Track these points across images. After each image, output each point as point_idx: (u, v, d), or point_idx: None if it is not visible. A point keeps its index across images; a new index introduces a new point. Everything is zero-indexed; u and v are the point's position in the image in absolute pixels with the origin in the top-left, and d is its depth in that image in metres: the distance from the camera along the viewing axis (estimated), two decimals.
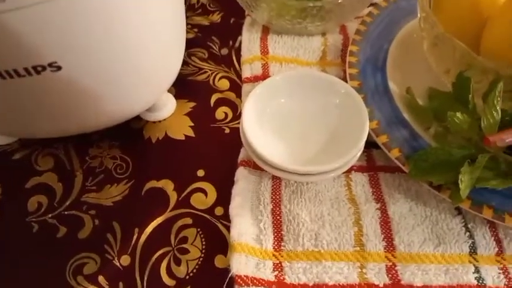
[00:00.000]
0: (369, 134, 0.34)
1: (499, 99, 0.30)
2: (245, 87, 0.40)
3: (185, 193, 0.34)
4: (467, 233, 0.31)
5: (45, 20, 0.24)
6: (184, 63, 0.43)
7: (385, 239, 0.31)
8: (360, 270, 0.30)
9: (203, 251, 0.31)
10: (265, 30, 0.44)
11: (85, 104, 0.31)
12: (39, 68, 0.26)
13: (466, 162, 0.29)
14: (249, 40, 0.43)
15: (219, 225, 0.33)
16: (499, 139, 0.28)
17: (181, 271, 0.30)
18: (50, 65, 0.26)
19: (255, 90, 0.34)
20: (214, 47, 0.44)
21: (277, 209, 0.32)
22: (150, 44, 0.32)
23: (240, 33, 0.45)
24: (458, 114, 0.31)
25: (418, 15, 0.37)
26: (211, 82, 0.42)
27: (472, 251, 0.30)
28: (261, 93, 0.34)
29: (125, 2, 0.27)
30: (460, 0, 0.36)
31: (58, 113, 0.31)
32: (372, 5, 0.45)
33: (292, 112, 0.35)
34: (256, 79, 0.40)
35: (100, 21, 0.26)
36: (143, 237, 0.32)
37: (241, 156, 0.35)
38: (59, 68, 0.27)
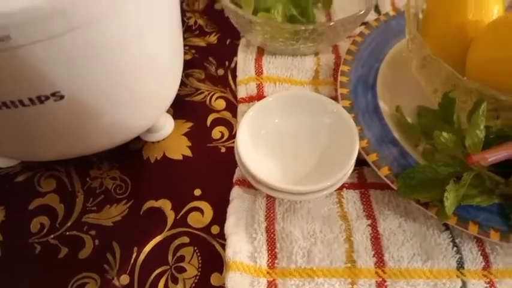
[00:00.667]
0: (360, 152, 0.35)
1: (482, 118, 0.32)
2: (240, 107, 0.42)
3: (182, 212, 0.35)
4: (455, 248, 0.32)
5: (50, 54, 0.25)
6: (182, 84, 0.44)
7: (376, 255, 0.32)
8: (351, 286, 0.31)
9: (199, 269, 0.32)
10: (260, 51, 0.45)
11: (87, 128, 0.32)
12: (43, 98, 0.28)
13: (452, 180, 0.30)
14: (244, 61, 0.44)
15: (215, 243, 0.34)
16: (482, 158, 0.29)
17: None
18: (53, 94, 0.28)
19: (249, 112, 0.35)
20: (211, 68, 0.46)
21: (271, 227, 0.34)
22: (150, 70, 0.33)
23: (235, 53, 0.46)
24: (444, 133, 0.32)
25: (406, 36, 0.38)
26: (208, 102, 0.43)
27: (460, 265, 0.31)
28: (254, 115, 0.35)
29: (125, 35, 0.28)
30: (446, 22, 0.37)
31: (60, 138, 0.33)
32: (363, 24, 0.46)
33: (285, 132, 0.36)
34: (251, 99, 0.42)
35: (102, 54, 0.28)
36: (142, 256, 0.33)
37: (236, 175, 0.37)
38: (62, 97, 0.28)
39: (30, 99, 0.27)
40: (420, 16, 0.40)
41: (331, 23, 0.41)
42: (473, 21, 0.36)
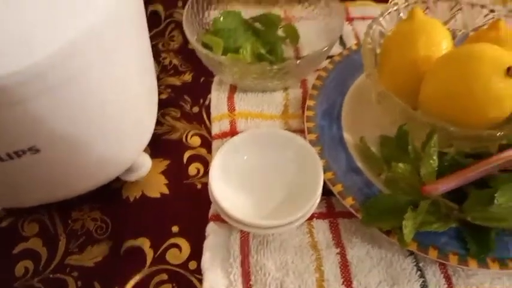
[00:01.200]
0: (327, 183, 0.37)
1: (434, 149, 0.34)
2: (214, 144, 0.44)
3: (161, 249, 0.37)
4: (419, 272, 0.34)
5: (28, 114, 0.27)
6: (159, 123, 0.46)
7: (345, 283, 0.34)
8: None
9: None
10: (232, 89, 0.48)
11: (66, 176, 0.34)
12: (20, 152, 0.29)
13: (409, 209, 0.32)
14: (217, 99, 0.47)
15: (193, 279, 0.35)
16: (434, 188, 0.32)
17: None
18: (30, 149, 0.30)
19: (220, 151, 0.37)
20: (186, 106, 0.48)
21: (246, 260, 0.35)
22: (125, 115, 0.35)
23: (209, 91, 0.49)
24: (400, 164, 0.34)
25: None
26: (184, 140, 0.45)
27: None
28: (224, 153, 0.37)
29: (99, 91, 0.30)
30: (400, 57, 0.40)
31: (41, 186, 0.34)
32: (329, 57, 0.49)
33: (255, 168, 0.38)
34: (224, 135, 0.44)
35: (78, 108, 0.29)
36: None
37: (212, 211, 0.38)
38: (38, 150, 0.30)
39: (8, 154, 0.29)
40: (378, 51, 0.43)
41: (297, 62, 0.43)
42: (425, 56, 0.38)
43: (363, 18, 0.55)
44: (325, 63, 0.48)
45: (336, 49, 0.51)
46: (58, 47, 0.26)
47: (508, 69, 0.32)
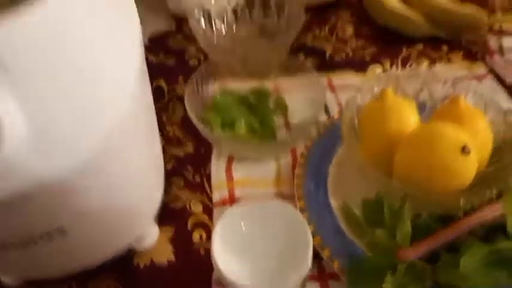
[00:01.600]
0: (316, 248, 0.42)
1: (407, 214, 0.39)
2: (216, 211, 0.49)
3: None
4: None
5: (63, 202, 0.32)
6: (165, 192, 0.51)
7: None
8: None
9: None
10: (230, 159, 0.53)
11: (87, 250, 0.39)
12: (48, 234, 0.34)
13: (388, 273, 0.37)
14: (217, 169, 0.52)
15: None
16: (407, 255, 0.36)
17: None
18: (56, 230, 0.34)
19: (220, 221, 0.42)
20: (189, 176, 0.53)
21: None
22: (139, 190, 0.40)
23: (210, 160, 0.54)
24: (378, 230, 0.39)
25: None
26: (188, 208, 0.50)
27: None
28: (224, 225, 0.42)
29: (121, 167, 0.35)
30: (375, 131, 0.45)
31: (63, 261, 0.39)
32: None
33: (252, 237, 0.43)
34: (224, 203, 0.49)
35: (103, 189, 0.34)
36: None
37: (214, 277, 0.43)
38: (64, 231, 0.35)
39: (41, 237, 0.34)
40: (356, 121, 0.49)
41: (288, 138, 0.49)
42: (396, 131, 0.44)
43: (345, 87, 0.62)
44: (312, 131, 0.54)
45: (323, 116, 0.56)
46: (95, 145, 0.30)
47: (463, 148, 0.37)
